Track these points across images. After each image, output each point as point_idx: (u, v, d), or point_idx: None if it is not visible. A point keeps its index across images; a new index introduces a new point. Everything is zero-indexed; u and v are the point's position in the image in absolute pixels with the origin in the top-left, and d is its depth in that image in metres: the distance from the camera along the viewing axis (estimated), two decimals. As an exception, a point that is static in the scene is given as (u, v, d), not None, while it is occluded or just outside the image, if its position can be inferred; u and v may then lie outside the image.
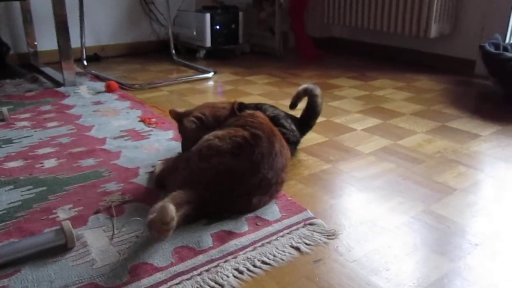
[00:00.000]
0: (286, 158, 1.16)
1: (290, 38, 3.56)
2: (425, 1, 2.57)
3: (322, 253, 0.97)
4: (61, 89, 2.26)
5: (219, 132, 1.13)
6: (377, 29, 2.91)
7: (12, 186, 1.24)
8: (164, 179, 1.21)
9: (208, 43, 3.03)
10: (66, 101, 2.06)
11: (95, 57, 3.03)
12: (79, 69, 2.62)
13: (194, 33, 3.07)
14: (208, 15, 2.98)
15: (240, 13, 3.16)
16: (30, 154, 1.47)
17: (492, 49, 2.15)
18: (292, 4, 3.27)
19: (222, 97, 2.18)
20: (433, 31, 2.62)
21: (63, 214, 1.10)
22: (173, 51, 3.07)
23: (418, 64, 2.91)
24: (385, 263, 0.94)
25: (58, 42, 2.23)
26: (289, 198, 1.18)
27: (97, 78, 2.53)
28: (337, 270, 0.91)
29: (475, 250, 0.98)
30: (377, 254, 0.97)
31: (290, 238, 1.00)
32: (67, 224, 0.96)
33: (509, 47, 2.29)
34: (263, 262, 0.93)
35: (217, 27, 3.04)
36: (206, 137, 1.13)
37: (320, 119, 1.82)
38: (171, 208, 0.88)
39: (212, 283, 0.86)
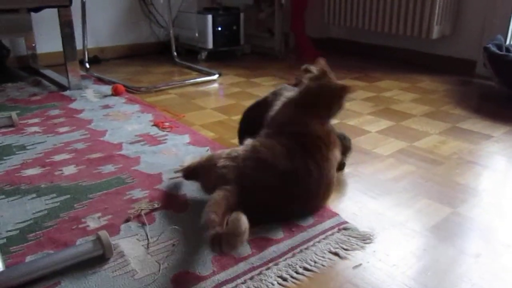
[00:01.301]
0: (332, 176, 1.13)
1: (290, 39, 3.57)
2: (427, 3, 2.60)
3: (360, 258, 0.97)
4: (67, 92, 2.23)
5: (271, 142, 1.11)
6: (378, 30, 2.93)
7: (34, 195, 1.22)
8: (196, 173, 1.18)
9: (210, 45, 3.02)
10: (74, 105, 2.04)
11: (95, 59, 3.00)
12: (81, 72, 2.59)
13: (196, 34, 3.05)
14: (210, 17, 2.97)
15: (241, 15, 3.15)
16: (47, 160, 1.45)
17: (496, 50, 2.18)
18: (293, 5, 3.28)
19: (230, 99, 2.17)
20: (435, 32, 2.65)
21: (93, 223, 1.09)
22: (175, 53, 3.05)
23: (420, 65, 2.93)
24: (423, 267, 0.94)
25: (63, 44, 2.20)
26: (319, 203, 1.18)
27: (101, 81, 2.50)
28: (378, 275, 0.92)
29: (508, 250, 1.00)
30: (414, 258, 0.97)
31: (327, 244, 1.01)
32: (105, 234, 0.94)
33: (511, 48, 2.33)
34: (305, 269, 0.93)
35: (219, 28, 3.03)
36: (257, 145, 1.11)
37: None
38: (244, 220, 0.84)
39: (257, 291, 0.86)
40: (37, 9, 2.17)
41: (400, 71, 2.78)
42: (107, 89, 2.29)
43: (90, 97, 2.17)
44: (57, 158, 1.47)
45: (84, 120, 1.84)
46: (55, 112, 1.94)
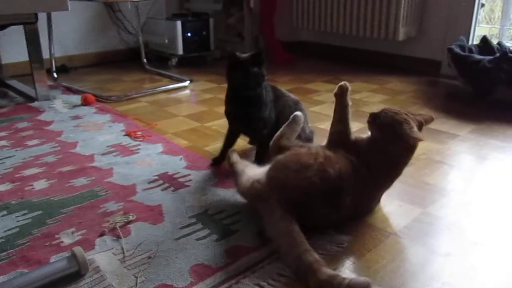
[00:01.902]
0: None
1: (260, 43, 3.59)
2: (393, 6, 2.66)
3: (335, 261, 0.99)
4: (35, 104, 2.18)
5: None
6: (346, 33, 2.98)
7: (5, 212, 1.20)
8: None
9: (180, 51, 3.01)
10: (42, 117, 2.00)
11: (63, 68, 2.94)
12: (49, 82, 2.54)
13: (166, 40, 3.04)
14: (179, 23, 2.96)
15: (211, 20, 3.15)
16: (17, 175, 1.42)
17: (459, 51, 2.26)
18: (262, 9, 3.30)
19: (202, 106, 2.17)
20: (401, 34, 2.72)
21: (67, 238, 1.08)
22: (145, 60, 3.02)
23: (388, 66, 3.00)
24: (396, 267, 0.97)
25: (29, 54, 2.15)
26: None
27: (70, 90, 2.46)
28: (353, 277, 0.94)
29: (477, 248, 1.03)
30: (387, 258, 1.00)
31: (303, 249, 1.02)
32: (79, 250, 0.93)
33: (473, 48, 2.41)
34: (281, 275, 0.94)
35: (189, 34, 3.03)
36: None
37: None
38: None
39: (236, 301, 0.87)
40: (3, 27, 2.12)
41: (369, 73, 2.84)
42: (77, 99, 2.25)
43: (59, 108, 2.13)
44: (27, 172, 1.44)
45: (54, 132, 1.81)
46: (23, 124, 1.90)
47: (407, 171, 1.42)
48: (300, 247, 0.93)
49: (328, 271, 0.87)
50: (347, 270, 0.96)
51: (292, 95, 1.53)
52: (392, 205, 1.23)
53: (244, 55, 1.36)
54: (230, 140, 1.50)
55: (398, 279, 0.93)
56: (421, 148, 1.62)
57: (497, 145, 1.66)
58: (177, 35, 2.97)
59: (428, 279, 0.93)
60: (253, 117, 1.39)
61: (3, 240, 1.07)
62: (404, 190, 1.32)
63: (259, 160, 1.40)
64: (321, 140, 1.57)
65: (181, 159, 1.54)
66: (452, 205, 1.24)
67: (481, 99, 2.17)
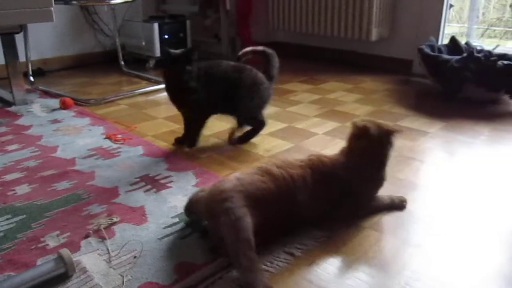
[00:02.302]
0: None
1: (237, 44, 3.63)
2: (365, 8, 2.74)
3: (314, 255, 1.04)
4: (12, 108, 2.18)
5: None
6: (321, 34, 3.05)
7: (-12, 217, 1.21)
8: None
9: (158, 53, 3.03)
10: (20, 121, 2.00)
11: (39, 72, 2.93)
12: (26, 86, 2.52)
13: (143, 43, 3.05)
14: (156, 25, 2.98)
15: (188, 22, 3.18)
16: (-2, 181, 1.43)
17: (429, 51, 2.35)
18: (238, 11, 3.34)
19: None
20: (374, 35, 2.80)
21: (52, 241, 1.10)
22: (122, 62, 3.03)
23: (361, 65, 3.09)
24: (370, 258, 1.03)
25: (5, 58, 2.14)
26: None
27: (47, 94, 2.45)
28: (330, 270, 0.99)
29: (445, 239, 1.10)
30: (362, 251, 1.06)
31: (283, 245, 1.07)
32: (66, 252, 0.96)
33: (442, 48, 2.51)
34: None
35: (166, 36, 3.05)
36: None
37: (282, 125, 1.92)
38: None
39: (220, 295, 0.91)
40: None
41: (343, 73, 2.92)
42: (55, 102, 2.25)
43: (37, 112, 2.13)
44: (9, 177, 1.45)
45: (33, 136, 1.82)
46: (2, 129, 1.90)
47: (380, 167, 1.50)
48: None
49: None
50: (324, 263, 1.02)
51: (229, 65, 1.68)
52: (366, 200, 1.30)
53: (177, 52, 1.57)
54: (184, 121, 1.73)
55: (371, 269, 0.99)
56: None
57: (465, 141, 1.75)
58: (154, 37, 2.99)
59: (399, 268, 1.00)
60: (181, 101, 1.64)
61: (-12, 244, 1.09)
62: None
63: (192, 135, 1.70)
64: (294, 137, 1.64)
65: (162, 160, 1.57)
66: (423, 199, 1.31)
67: (450, 97, 2.27)
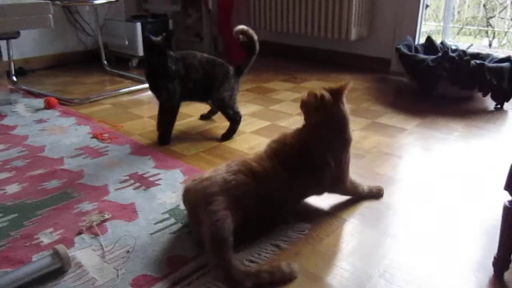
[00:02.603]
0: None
1: (219, 42, 3.67)
2: (344, 8, 2.81)
3: (298, 247, 1.10)
4: (-4, 108, 2.18)
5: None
6: (301, 33, 3.12)
7: (-20, 216, 1.23)
8: None
9: (140, 52, 3.05)
10: (5, 122, 2.00)
11: (20, 71, 2.92)
12: (9, 86, 2.52)
13: (126, 42, 3.06)
14: (139, 24, 3.00)
15: (170, 21, 3.20)
16: (-13, 180, 1.45)
17: (406, 51, 2.43)
18: (220, 10, 3.38)
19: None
20: (353, 34, 2.88)
21: (46, 238, 1.13)
22: (105, 61, 3.04)
23: (341, 64, 3.16)
24: (352, 249, 1.10)
25: (-12, 59, 2.14)
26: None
27: (31, 94, 2.45)
28: (314, 260, 1.05)
29: (421, 229, 1.18)
30: (344, 242, 1.13)
31: (268, 238, 1.13)
32: (62, 247, 1.00)
33: (419, 47, 2.60)
34: (250, 261, 1.04)
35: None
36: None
37: (265, 123, 1.97)
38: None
39: (211, 284, 0.96)
40: None
41: (324, 71, 2.99)
42: (39, 102, 2.26)
43: (22, 112, 2.14)
44: (-3, 177, 1.47)
45: (19, 136, 1.83)
46: (-14, 129, 1.90)
47: (360, 163, 1.57)
48: None
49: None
50: (309, 254, 1.08)
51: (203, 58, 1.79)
52: (347, 194, 1.36)
53: (157, 38, 1.65)
54: (160, 114, 1.80)
55: (353, 258, 1.06)
56: (372, 141, 1.77)
57: (440, 137, 1.83)
58: (137, 37, 3.01)
59: (378, 258, 1.06)
60: (162, 87, 1.69)
61: (-17, 242, 1.11)
62: (359, 180, 1.45)
63: (166, 131, 1.78)
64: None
65: (149, 159, 1.61)
66: (400, 193, 1.38)
67: (426, 95, 2.36)
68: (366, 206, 1.30)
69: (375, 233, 1.16)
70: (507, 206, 0.94)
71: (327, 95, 1.22)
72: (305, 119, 1.26)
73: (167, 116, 1.77)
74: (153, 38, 1.64)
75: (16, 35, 1.21)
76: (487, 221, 1.21)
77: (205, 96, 1.81)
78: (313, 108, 1.22)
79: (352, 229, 1.19)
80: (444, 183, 1.45)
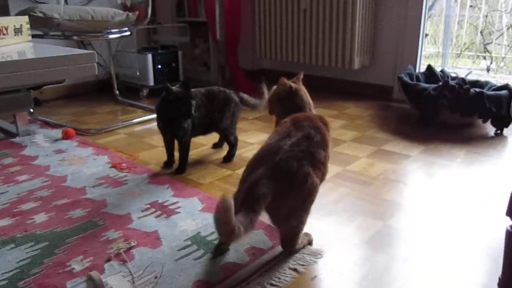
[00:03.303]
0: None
1: (226, 72, 3.79)
2: (347, 38, 2.94)
3: (315, 271, 1.18)
4: (17, 139, 2.27)
5: None
6: (306, 62, 3.24)
7: (13, 245, 1.31)
8: None
9: (151, 82, 3.17)
10: (26, 152, 2.09)
11: (36, 101, 3.03)
12: (27, 117, 2.62)
13: (138, 73, 3.18)
14: (150, 56, 3.12)
15: (180, 52, 3.33)
16: (15, 210, 1.52)
17: (408, 79, 2.54)
18: (227, 40, 3.51)
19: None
20: (356, 64, 3.00)
21: (77, 265, 1.21)
22: (117, 92, 3.15)
23: (345, 92, 3.27)
24: (365, 273, 1.17)
25: (9, 92, 2.25)
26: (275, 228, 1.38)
27: (47, 124, 2.55)
28: (330, 283, 1.13)
29: (429, 253, 1.25)
30: (357, 266, 1.20)
31: (286, 262, 1.20)
32: (96, 274, 1.07)
33: (420, 76, 2.71)
34: (272, 285, 1.11)
35: (159, 66, 3.19)
36: None
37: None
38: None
39: (236, 308, 1.03)
40: (39, 87, 2.28)
41: (328, 99, 3.10)
42: (56, 132, 2.36)
43: (41, 143, 2.23)
44: (25, 207, 1.55)
45: (41, 166, 1.92)
46: (9, 160, 1.99)
47: (368, 190, 1.65)
48: None
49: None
50: (325, 277, 1.15)
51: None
52: (358, 220, 1.44)
53: (178, 89, 1.73)
54: (169, 145, 1.90)
55: (365, 281, 1.13)
56: (379, 168, 1.85)
57: (443, 163, 1.92)
58: (148, 67, 3.13)
59: (390, 280, 1.14)
60: (177, 127, 1.78)
61: (18, 270, 1.19)
62: (366, 207, 1.53)
63: (184, 161, 1.87)
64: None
65: (167, 188, 1.69)
66: (408, 218, 1.46)
67: (428, 122, 2.45)
68: (376, 231, 1.37)
69: (386, 257, 1.24)
70: (509, 231, 1.01)
71: (293, 84, 1.44)
72: (271, 111, 1.45)
73: (181, 150, 1.85)
74: (175, 89, 1.72)
75: (62, 80, 1.31)
76: (492, 245, 1.29)
77: (209, 129, 1.94)
78: (284, 95, 1.40)
79: (364, 253, 1.26)
80: (449, 208, 1.52)
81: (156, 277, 1.15)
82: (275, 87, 1.45)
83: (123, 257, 1.23)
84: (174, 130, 1.79)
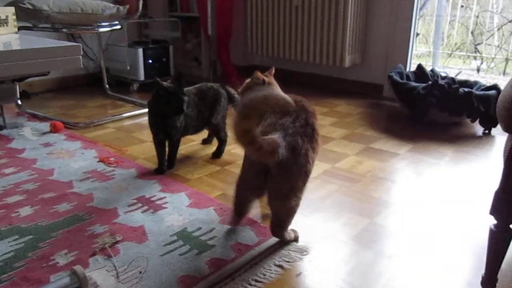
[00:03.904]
0: None
1: (217, 67, 3.78)
2: (339, 36, 2.94)
3: (300, 268, 1.18)
4: (4, 132, 2.25)
5: None
6: (297, 59, 3.24)
7: (-3, 238, 1.30)
8: None
9: (142, 77, 3.15)
10: (13, 145, 2.07)
11: (24, 94, 2.99)
12: (16, 109, 2.60)
13: (128, 67, 3.16)
14: (140, 50, 3.10)
15: (171, 47, 3.31)
16: (0, 203, 1.51)
17: (398, 78, 2.55)
18: (218, 36, 3.50)
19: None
20: (347, 61, 3.00)
21: (61, 259, 1.20)
22: (107, 86, 3.13)
23: (336, 90, 3.28)
24: (350, 269, 1.17)
25: (-4, 84, 2.22)
26: (261, 224, 1.38)
27: (36, 117, 2.53)
28: (315, 280, 1.13)
29: (414, 250, 1.26)
30: (343, 263, 1.20)
31: (272, 258, 1.20)
32: (80, 268, 1.06)
33: (410, 75, 2.72)
34: (256, 281, 1.11)
35: (150, 61, 3.17)
36: None
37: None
38: None
39: (220, 304, 1.03)
40: (23, 79, 2.24)
41: (319, 96, 3.10)
42: (45, 126, 2.34)
43: (28, 136, 2.21)
44: (10, 200, 1.53)
45: (28, 159, 1.90)
46: (-5, 153, 1.97)
47: (356, 187, 1.65)
48: None
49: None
50: (310, 274, 1.15)
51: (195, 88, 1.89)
52: (344, 217, 1.44)
53: (170, 84, 1.68)
54: (161, 148, 1.80)
55: (351, 278, 1.13)
56: (367, 166, 1.86)
57: (431, 162, 1.93)
58: (139, 62, 3.11)
59: (375, 277, 1.14)
60: (171, 126, 1.73)
61: (2, 263, 1.18)
62: (354, 204, 1.54)
63: (173, 157, 1.84)
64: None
65: (155, 183, 1.68)
66: (395, 216, 1.47)
67: (417, 121, 2.46)
68: (362, 228, 1.38)
69: (372, 254, 1.24)
70: (492, 230, 1.02)
71: (266, 77, 1.45)
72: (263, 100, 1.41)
73: (171, 147, 1.81)
74: (166, 84, 1.66)
75: (47, 73, 1.30)
76: (476, 243, 1.30)
77: (200, 128, 1.92)
78: (256, 88, 1.37)
79: (351, 250, 1.26)
80: (435, 206, 1.53)
81: (140, 272, 1.14)
82: (248, 79, 1.44)
83: (108, 252, 1.22)
84: (167, 128, 1.73)
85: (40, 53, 0.85)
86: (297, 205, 1.21)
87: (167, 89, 1.66)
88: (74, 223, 1.38)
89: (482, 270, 1.07)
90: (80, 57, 0.92)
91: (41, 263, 1.18)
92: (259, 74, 1.43)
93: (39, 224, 1.38)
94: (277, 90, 1.43)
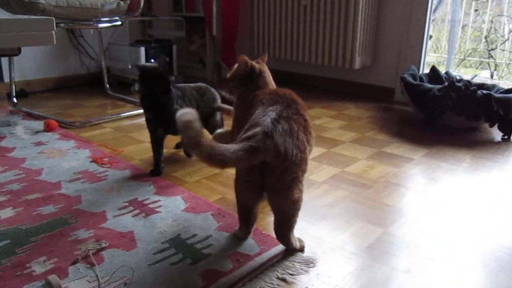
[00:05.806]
0: None
1: (222, 69, 3.67)
2: (349, 37, 2.82)
3: (306, 282, 1.04)
4: (-5, 130, 2.14)
5: None
6: (305, 61, 3.11)
7: (-29, 242, 1.18)
8: None
9: (143, 77, 3.03)
10: (3, 143, 1.96)
11: (22, 93, 2.90)
12: (9, 107, 2.49)
13: (129, 66, 3.06)
14: (142, 49, 3.00)
15: (174, 47, 3.21)
16: (-20, 204, 1.39)
17: (411, 80, 2.42)
18: (224, 36, 3.39)
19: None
20: (357, 63, 2.87)
21: (38, 267, 1.07)
22: (107, 85, 3.02)
23: (345, 93, 3.15)
24: (362, 285, 1.03)
25: (-11, 80, 2.12)
26: (263, 232, 1.24)
27: (31, 116, 2.42)
28: (323, 297, 0.99)
29: (433, 264, 1.12)
30: (353, 278, 1.06)
31: (274, 270, 1.07)
32: (55, 278, 0.94)
33: (423, 77, 2.59)
34: (255, 296, 0.98)
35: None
36: None
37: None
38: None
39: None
40: None
41: (328, 99, 2.97)
42: (39, 124, 2.23)
43: (20, 134, 2.10)
44: (-9, 201, 1.42)
45: (17, 159, 1.78)
46: (-17, 151, 1.86)
47: (367, 193, 1.52)
48: None
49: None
50: (316, 289, 1.02)
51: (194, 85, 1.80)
52: (355, 226, 1.31)
53: (154, 64, 1.57)
54: (158, 148, 1.67)
55: (364, 296, 1.00)
56: (379, 171, 1.73)
57: (447, 167, 1.79)
58: (141, 61, 3.00)
59: (391, 295, 1.00)
60: (168, 113, 1.56)
61: (-29, 271, 1.05)
62: (366, 212, 1.40)
63: (160, 161, 1.68)
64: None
65: (150, 185, 1.56)
66: (410, 225, 1.33)
67: (431, 125, 2.32)
68: (375, 239, 1.24)
69: (385, 268, 1.10)
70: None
71: (257, 64, 1.30)
72: (231, 92, 1.32)
73: (159, 152, 1.68)
74: (149, 65, 1.57)
75: (17, 52, 1.19)
76: (502, 256, 1.16)
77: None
78: (245, 76, 1.27)
79: (362, 263, 1.13)
80: (454, 215, 1.39)
81: (125, 284, 1.01)
82: (235, 65, 1.30)
83: (91, 260, 1.10)
84: (164, 121, 1.59)
85: (9, 25, 0.73)
86: (300, 199, 1.11)
87: (146, 68, 1.55)
88: (57, 227, 1.26)
89: (508, 284, 0.94)
90: (53, 32, 0.80)
91: (15, 271, 1.05)
92: (246, 59, 1.26)
93: (19, 227, 1.25)
94: (269, 79, 1.36)
